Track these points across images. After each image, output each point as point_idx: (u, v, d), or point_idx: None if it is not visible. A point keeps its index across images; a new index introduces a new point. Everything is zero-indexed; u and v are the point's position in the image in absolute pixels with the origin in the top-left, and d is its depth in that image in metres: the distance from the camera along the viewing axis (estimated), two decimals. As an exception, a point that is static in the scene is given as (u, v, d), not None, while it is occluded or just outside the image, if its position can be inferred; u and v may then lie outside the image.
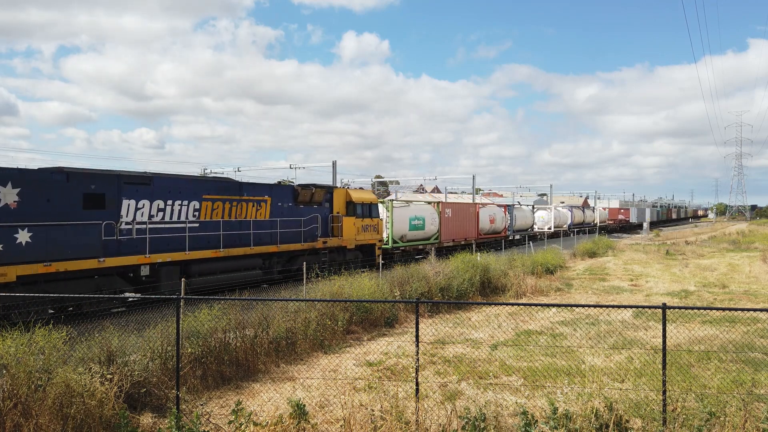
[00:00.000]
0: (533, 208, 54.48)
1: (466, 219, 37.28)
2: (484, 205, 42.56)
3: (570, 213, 61.09)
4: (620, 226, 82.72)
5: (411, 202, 34.11)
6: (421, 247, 32.01)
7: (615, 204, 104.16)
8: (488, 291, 19.84)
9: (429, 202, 35.10)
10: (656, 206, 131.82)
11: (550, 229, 54.86)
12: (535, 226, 53.04)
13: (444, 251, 31.23)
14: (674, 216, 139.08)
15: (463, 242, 36.23)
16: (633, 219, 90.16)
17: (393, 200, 32.51)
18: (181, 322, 8.16)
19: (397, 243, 29.72)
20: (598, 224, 71.40)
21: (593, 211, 73.30)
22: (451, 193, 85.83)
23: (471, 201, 51.77)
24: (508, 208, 45.65)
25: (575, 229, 57.71)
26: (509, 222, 44.72)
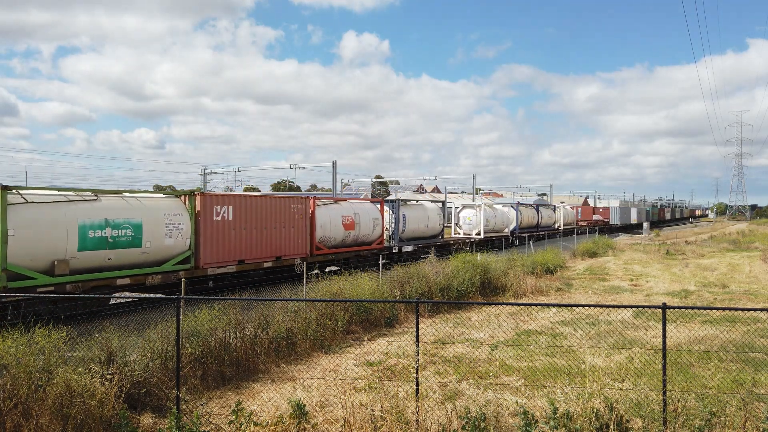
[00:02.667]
0: (442, 204, 38.13)
1: (271, 223, 20.99)
2: (337, 201, 26.30)
3: (515, 213, 46.65)
4: (595, 229, 63.72)
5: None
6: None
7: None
8: (488, 291, 19.84)
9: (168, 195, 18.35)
10: (653, 205, 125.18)
11: (479, 234, 39.10)
12: (459, 230, 40.18)
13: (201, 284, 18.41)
14: (668, 216, 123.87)
15: (270, 262, 21.00)
16: (614, 220, 76.40)
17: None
18: (181, 322, 8.16)
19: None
20: (562, 227, 58.92)
21: (554, 211, 58.50)
22: (452, 192, 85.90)
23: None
24: (391, 205, 30.08)
25: (524, 234, 45.12)
26: (394, 226, 29.50)
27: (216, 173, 48.02)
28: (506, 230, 44.70)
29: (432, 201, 36.88)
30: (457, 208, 41.54)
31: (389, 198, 33.03)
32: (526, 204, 53.64)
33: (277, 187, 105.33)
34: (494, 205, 45.81)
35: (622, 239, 55.25)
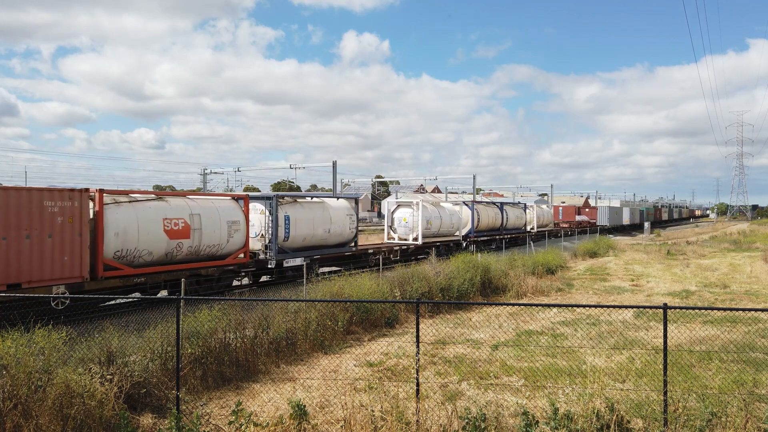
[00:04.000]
0: (356, 203, 26.72)
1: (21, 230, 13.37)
2: (161, 197, 17.49)
3: (471, 212, 36.88)
4: (581, 231, 56.06)
5: None
6: None
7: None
8: (489, 291, 19.83)
9: None
10: (649, 205, 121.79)
11: (416, 240, 30.94)
12: (394, 234, 31.93)
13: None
14: (665, 217, 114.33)
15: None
16: (602, 221, 67.69)
17: None
18: (181, 322, 8.15)
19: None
20: (536, 229, 49.44)
21: (524, 211, 47.54)
22: (452, 192, 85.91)
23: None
24: (267, 203, 21.33)
25: (483, 238, 38.12)
26: (272, 231, 20.91)
27: (216, 173, 48.02)
28: (457, 234, 35.50)
29: (346, 198, 26.57)
30: (390, 207, 32.85)
31: (259, 194, 22.65)
32: (486, 202, 45.40)
33: (277, 187, 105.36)
34: (442, 203, 36.68)
35: (620, 240, 53.69)
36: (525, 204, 49.65)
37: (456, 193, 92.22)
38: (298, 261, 21.72)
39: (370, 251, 27.30)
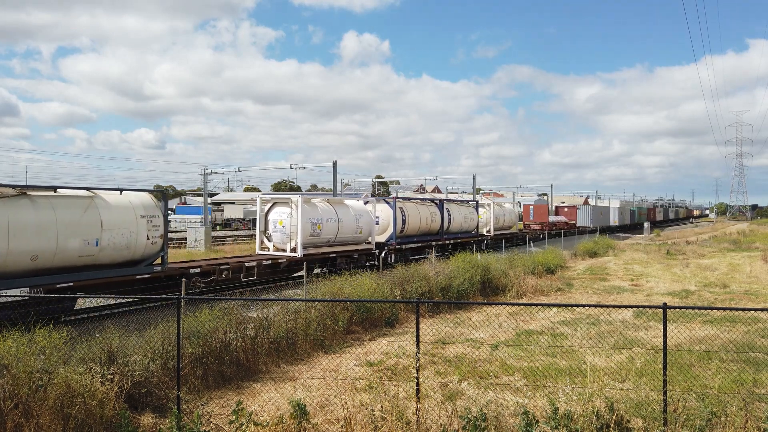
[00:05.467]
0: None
1: None
2: None
3: (393, 212, 27.64)
4: (556, 234, 49.40)
5: None
6: None
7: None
8: (489, 291, 19.84)
9: None
10: (648, 203, 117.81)
11: (294, 251, 21.90)
12: (269, 243, 23.03)
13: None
14: (659, 217, 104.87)
15: None
16: (583, 222, 59.35)
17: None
18: (181, 322, 8.16)
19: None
20: (493, 233, 40.88)
21: (476, 210, 37.82)
22: (452, 192, 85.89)
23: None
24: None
25: (411, 245, 28.89)
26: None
27: (216, 173, 48.00)
28: (369, 241, 25.91)
29: (136, 190, 16.90)
30: (265, 206, 23.39)
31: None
32: (421, 199, 34.20)
33: (278, 187, 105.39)
34: (346, 201, 26.21)
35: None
36: (477, 201, 40.10)
37: (456, 192, 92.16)
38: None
39: (196, 270, 17.98)
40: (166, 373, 8.97)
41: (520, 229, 49.93)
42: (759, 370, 10.24)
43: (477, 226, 37.92)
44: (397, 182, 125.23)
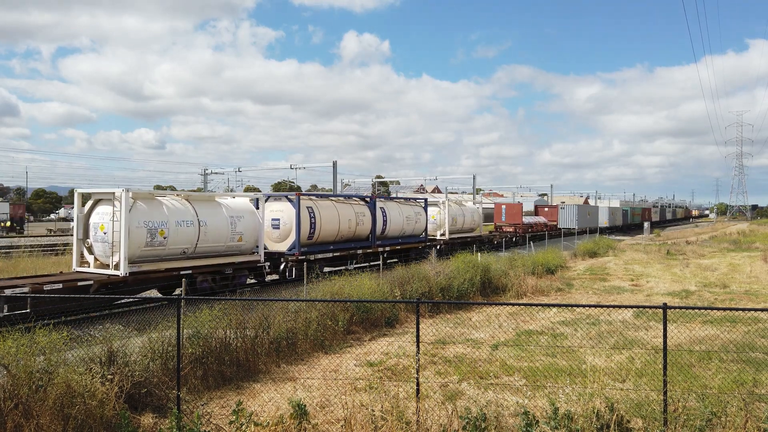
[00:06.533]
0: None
1: None
2: None
3: (296, 213, 21.17)
4: (534, 236, 44.51)
5: None
6: None
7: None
8: (489, 291, 19.85)
9: None
10: (648, 203, 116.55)
11: (117, 268, 15.24)
12: (90, 256, 16.15)
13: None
14: (655, 218, 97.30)
15: None
16: (566, 224, 53.98)
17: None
18: (181, 322, 8.16)
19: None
20: (447, 236, 34.24)
21: (425, 210, 31.54)
22: (452, 192, 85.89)
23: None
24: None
25: (323, 255, 22.42)
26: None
27: (216, 173, 48.02)
28: (255, 252, 19.64)
29: None
30: (82, 205, 16.51)
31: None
32: (345, 195, 27.90)
33: (277, 187, 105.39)
34: (218, 198, 19.68)
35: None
36: (426, 199, 33.03)
37: (456, 192, 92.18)
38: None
39: None
40: (166, 373, 8.97)
41: (491, 232, 45.09)
42: (759, 371, 10.24)
43: (425, 230, 31.49)
44: (398, 182, 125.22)
